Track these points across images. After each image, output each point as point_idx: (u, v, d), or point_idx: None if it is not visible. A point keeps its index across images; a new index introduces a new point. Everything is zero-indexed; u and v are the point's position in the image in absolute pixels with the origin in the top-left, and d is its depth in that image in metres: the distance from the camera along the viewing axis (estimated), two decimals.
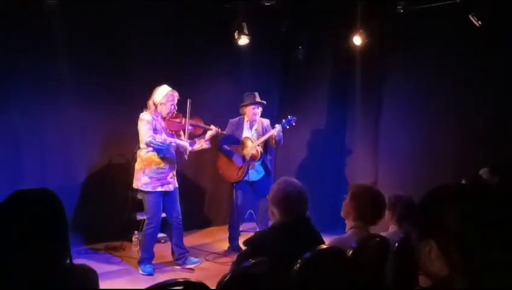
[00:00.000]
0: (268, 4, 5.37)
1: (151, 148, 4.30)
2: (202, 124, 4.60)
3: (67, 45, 4.76)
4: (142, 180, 4.33)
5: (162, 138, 4.29)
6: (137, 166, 4.40)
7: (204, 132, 4.63)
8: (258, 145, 5.00)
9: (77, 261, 1.69)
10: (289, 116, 5.01)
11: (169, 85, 4.41)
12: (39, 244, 1.53)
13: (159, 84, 4.41)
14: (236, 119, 5.16)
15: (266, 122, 5.19)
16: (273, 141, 5.04)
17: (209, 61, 5.83)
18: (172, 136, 4.45)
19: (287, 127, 5.01)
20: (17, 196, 1.58)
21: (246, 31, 5.56)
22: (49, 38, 4.65)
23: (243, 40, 5.65)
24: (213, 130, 4.62)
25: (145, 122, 4.26)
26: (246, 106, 5.07)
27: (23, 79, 4.59)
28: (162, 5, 5.29)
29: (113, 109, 5.18)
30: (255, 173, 5.14)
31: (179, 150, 4.48)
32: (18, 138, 4.64)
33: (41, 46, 4.64)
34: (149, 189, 4.33)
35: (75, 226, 4.97)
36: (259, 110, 5.08)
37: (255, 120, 5.10)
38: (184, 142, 4.41)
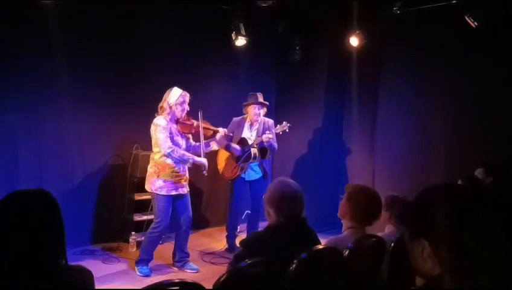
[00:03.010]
0: (265, 5, 5.38)
1: None
2: (212, 126, 4.60)
3: (65, 45, 4.74)
4: (156, 184, 4.29)
5: (181, 152, 4.26)
6: (150, 169, 4.36)
7: (214, 134, 4.64)
8: (254, 147, 5.01)
9: (74, 261, 1.70)
10: (284, 122, 5.01)
11: (167, 85, 4.41)
12: (35, 245, 1.53)
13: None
14: (238, 118, 5.18)
15: (269, 122, 5.18)
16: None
17: (207, 62, 5.83)
18: (184, 137, 4.45)
19: (280, 132, 5.02)
20: (13, 196, 1.59)
21: (243, 32, 5.58)
22: (46, 38, 4.63)
23: (240, 41, 5.66)
24: (221, 132, 4.63)
25: (162, 128, 4.19)
26: (248, 105, 5.09)
27: (21, 79, 4.57)
28: (159, 5, 5.30)
29: (110, 110, 5.17)
30: (253, 173, 5.17)
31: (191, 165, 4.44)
32: (15, 138, 4.62)
33: (39, 47, 4.62)
34: (163, 193, 4.29)
35: (72, 227, 4.89)
36: (261, 110, 5.08)
37: (256, 120, 5.10)
38: (202, 159, 4.36)
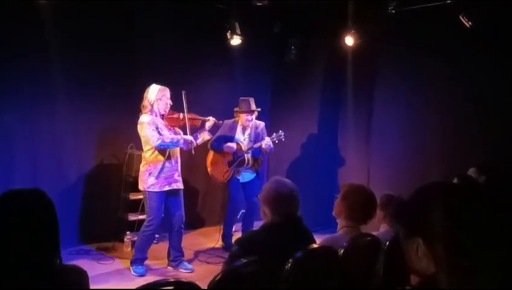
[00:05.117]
0: (260, 4, 5.38)
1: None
2: (199, 116, 4.64)
3: (61, 45, 4.73)
4: (148, 182, 4.29)
5: (169, 137, 4.28)
6: (142, 168, 4.37)
7: (202, 124, 4.66)
8: (247, 153, 5.06)
9: (69, 261, 1.69)
10: (280, 131, 5.07)
11: (162, 85, 4.40)
12: (29, 244, 1.53)
13: (152, 84, 4.40)
14: (230, 121, 5.21)
15: (261, 126, 5.25)
16: (263, 150, 5.14)
17: (205, 62, 5.82)
18: (173, 131, 4.46)
19: (276, 141, 5.07)
20: (7, 195, 1.58)
21: (238, 31, 5.57)
22: (43, 38, 4.61)
23: (235, 40, 5.65)
24: (211, 120, 4.65)
25: (147, 124, 4.22)
26: (240, 112, 5.11)
27: (17, 80, 4.55)
28: (155, 5, 5.28)
29: (105, 110, 5.16)
30: (248, 174, 5.24)
31: (185, 148, 4.47)
32: (10, 138, 4.61)
33: (36, 47, 4.60)
34: (156, 189, 4.29)
35: (67, 227, 4.93)
36: (253, 115, 5.14)
37: (248, 125, 5.17)
38: (188, 136, 4.41)
